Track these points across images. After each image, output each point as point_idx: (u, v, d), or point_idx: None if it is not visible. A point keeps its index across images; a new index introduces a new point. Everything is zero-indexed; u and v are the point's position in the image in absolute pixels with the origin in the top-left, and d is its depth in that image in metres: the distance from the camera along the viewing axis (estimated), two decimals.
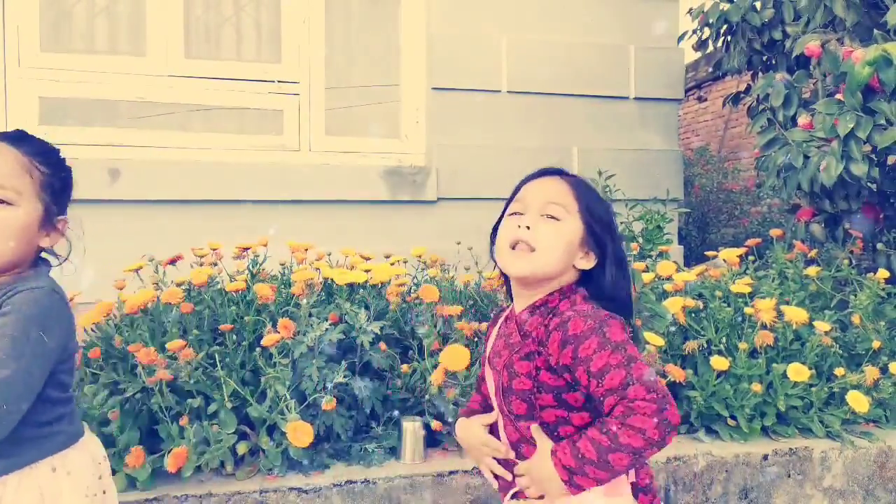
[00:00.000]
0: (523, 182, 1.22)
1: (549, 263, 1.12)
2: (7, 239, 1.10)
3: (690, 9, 3.42)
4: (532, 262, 1.12)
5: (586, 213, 1.15)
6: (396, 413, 1.94)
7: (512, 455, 1.17)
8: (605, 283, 1.15)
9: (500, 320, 1.25)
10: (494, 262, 1.22)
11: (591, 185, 1.22)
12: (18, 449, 1.11)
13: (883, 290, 2.45)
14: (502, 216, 1.22)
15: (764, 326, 2.13)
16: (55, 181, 1.20)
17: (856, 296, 2.44)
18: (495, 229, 1.23)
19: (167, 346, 1.76)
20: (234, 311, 2.02)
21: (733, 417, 2.09)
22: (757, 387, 2.03)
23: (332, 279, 2.14)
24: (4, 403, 1.00)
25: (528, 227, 1.12)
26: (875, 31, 2.38)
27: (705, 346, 2.19)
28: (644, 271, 2.30)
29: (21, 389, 1.03)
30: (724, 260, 2.62)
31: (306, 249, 2.39)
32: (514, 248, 1.13)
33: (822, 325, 2.15)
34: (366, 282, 2.15)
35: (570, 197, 1.15)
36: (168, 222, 3.02)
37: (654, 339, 2.00)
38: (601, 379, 1.02)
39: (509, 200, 1.22)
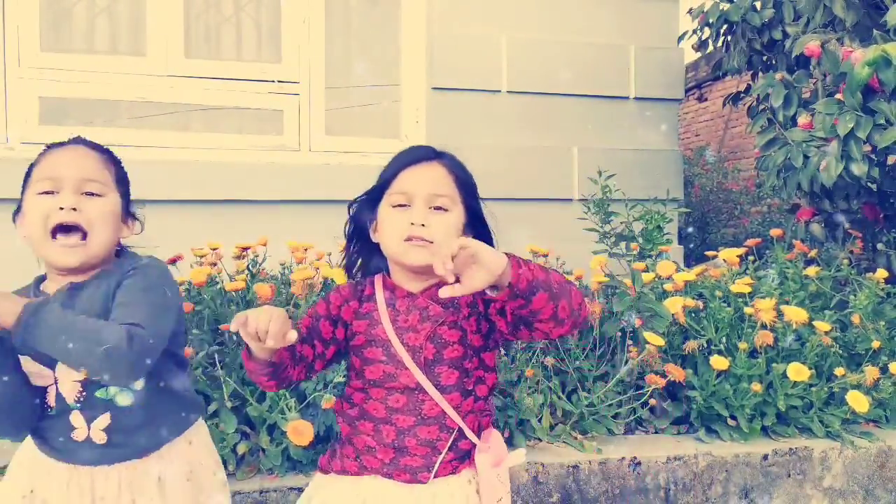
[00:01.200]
0: (400, 167, 1.27)
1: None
2: (106, 226, 1.18)
3: (690, 9, 3.42)
4: (432, 252, 1.14)
5: (468, 198, 1.24)
6: None
7: None
8: None
9: (377, 303, 1.21)
10: (356, 241, 1.29)
11: (460, 163, 1.31)
12: (168, 420, 1.22)
13: (883, 289, 2.45)
14: (374, 198, 1.27)
15: (764, 326, 2.13)
16: (123, 175, 1.27)
17: (856, 296, 2.44)
18: (360, 208, 1.32)
19: None
20: (234, 310, 2.02)
21: (733, 417, 2.09)
22: (757, 387, 2.03)
23: (331, 279, 2.14)
24: (137, 351, 1.08)
25: (423, 225, 1.16)
26: (875, 31, 2.39)
27: (705, 345, 2.19)
28: (644, 271, 2.30)
29: (152, 341, 1.11)
30: (724, 260, 2.62)
31: (306, 249, 2.39)
32: (407, 240, 1.16)
33: (822, 325, 2.15)
34: None
35: (453, 187, 1.23)
36: (168, 222, 3.01)
37: (654, 339, 2.00)
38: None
39: (384, 186, 1.26)
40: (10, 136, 2.99)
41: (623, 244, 2.39)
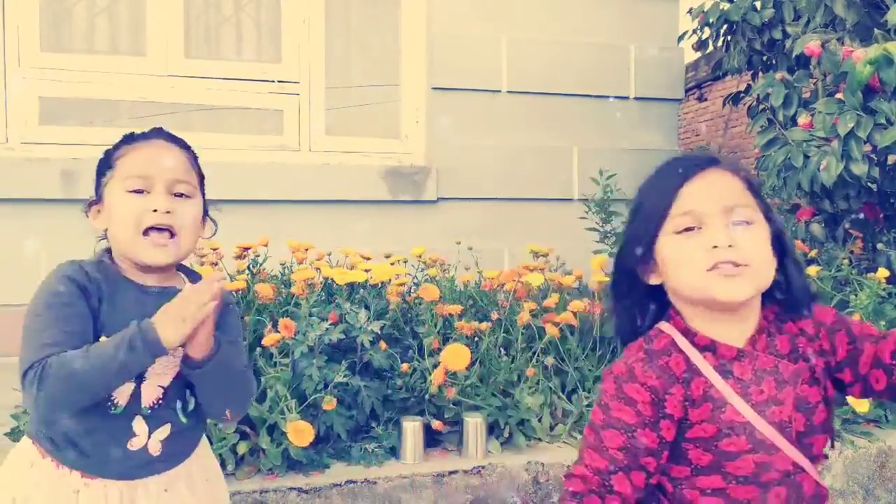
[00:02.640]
0: (677, 184, 0.97)
1: (767, 276, 0.93)
2: (195, 229, 1.15)
3: (690, 9, 3.42)
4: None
5: (764, 207, 0.98)
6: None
7: None
8: (794, 281, 0.98)
9: (705, 375, 0.92)
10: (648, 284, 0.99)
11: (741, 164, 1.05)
12: (202, 432, 1.23)
13: (883, 289, 2.44)
14: (639, 234, 0.99)
15: None
16: (202, 173, 1.23)
17: (856, 295, 2.44)
18: (624, 253, 1.02)
19: None
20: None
21: None
22: None
23: (332, 279, 2.14)
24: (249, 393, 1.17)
25: (730, 246, 0.90)
26: (875, 30, 2.38)
27: None
28: None
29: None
30: None
31: (306, 249, 2.39)
32: (712, 269, 0.91)
33: None
34: (366, 281, 2.15)
35: (749, 194, 0.96)
36: None
37: None
38: (863, 329, 0.98)
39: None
40: (10, 136, 2.99)
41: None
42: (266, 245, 2.38)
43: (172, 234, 1.11)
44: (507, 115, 3.41)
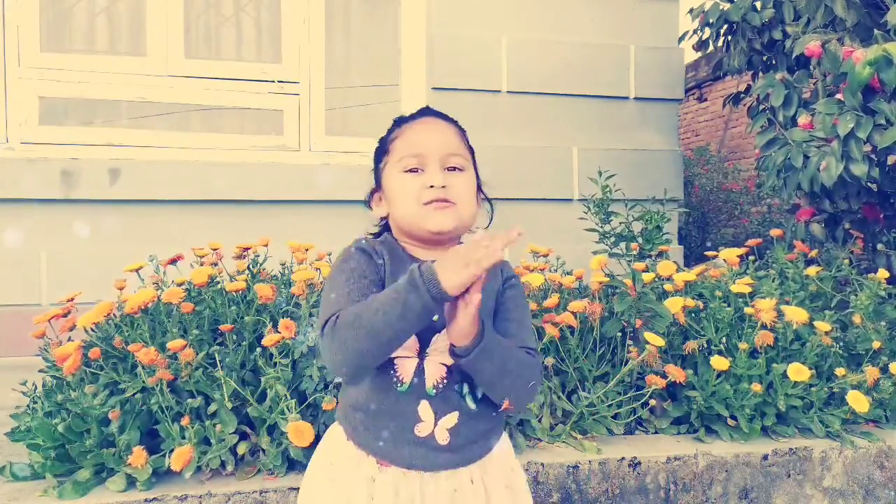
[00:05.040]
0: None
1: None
2: (471, 200, 1.14)
3: (691, 9, 3.42)
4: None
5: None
6: None
7: None
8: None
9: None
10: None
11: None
12: (498, 429, 1.16)
13: (883, 290, 2.45)
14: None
15: (764, 326, 2.13)
16: (473, 151, 1.21)
17: (856, 296, 2.44)
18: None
19: (167, 345, 1.76)
20: (234, 311, 2.02)
21: (733, 417, 2.09)
22: (757, 387, 2.03)
23: None
24: (527, 381, 1.06)
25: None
26: (875, 31, 2.38)
27: (705, 346, 2.19)
28: (644, 271, 2.30)
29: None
30: (724, 260, 2.62)
31: (306, 249, 2.39)
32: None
33: (822, 325, 2.15)
34: None
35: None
36: (168, 222, 3.02)
37: (654, 339, 2.00)
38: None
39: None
40: (9, 136, 2.99)
41: (623, 244, 2.39)
42: (266, 245, 2.38)
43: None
44: (507, 115, 3.41)
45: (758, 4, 3.14)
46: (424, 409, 1.05)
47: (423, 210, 1.09)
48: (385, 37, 3.49)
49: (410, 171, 1.11)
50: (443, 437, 1.05)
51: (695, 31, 3.48)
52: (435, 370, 1.05)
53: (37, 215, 2.91)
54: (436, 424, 1.05)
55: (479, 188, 1.20)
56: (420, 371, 1.05)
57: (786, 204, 3.30)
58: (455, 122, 1.20)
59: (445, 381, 1.06)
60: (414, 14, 3.42)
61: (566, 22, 3.49)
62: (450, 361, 1.04)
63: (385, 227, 1.24)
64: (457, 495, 1.06)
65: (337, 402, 1.22)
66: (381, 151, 1.18)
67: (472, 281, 0.92)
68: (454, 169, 1.12)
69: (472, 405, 1.07)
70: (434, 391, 1.05)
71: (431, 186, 1.08)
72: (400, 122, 1.19)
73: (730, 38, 3.33)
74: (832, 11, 2.70)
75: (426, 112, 1.20)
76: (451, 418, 1.05)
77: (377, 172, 1.20)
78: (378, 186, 1.20)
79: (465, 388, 1.07)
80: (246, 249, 2.32)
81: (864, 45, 2.48)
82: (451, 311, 0.97)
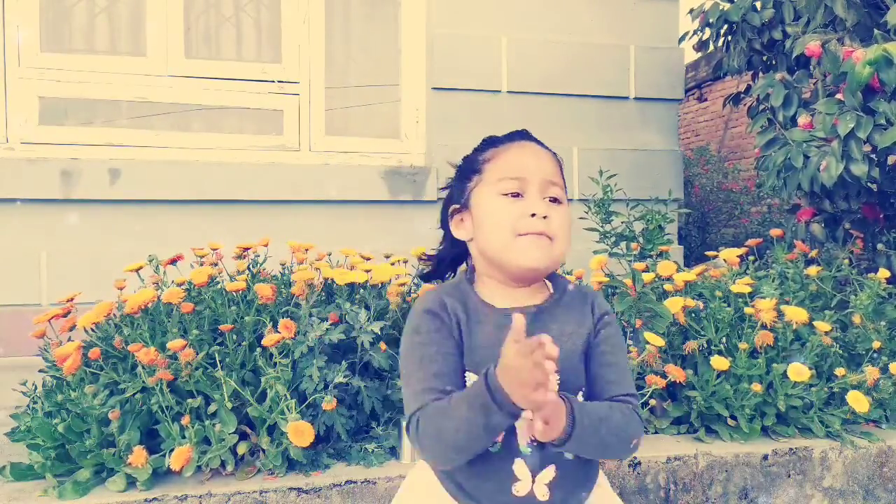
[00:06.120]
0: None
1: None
2: (567, 239, 1.06)
3: (691, 9, 3.42)
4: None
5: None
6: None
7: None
8: None
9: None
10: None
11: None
12: (594, 477, 1.09)
13: (884, 290, 2.44)
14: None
15: (764, 326, 2.13)
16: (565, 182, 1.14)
17: (856, 296, 2.44)
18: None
19: (167, 345, 1.76)
20: (234, 311, 2.02)
21: (733, 417, 2.09)
22: (757, 387, 2.03)
23: (332, 279, 2.14)
24: (629, 439, 1.00)
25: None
26: (875, 31, 2.38)
27: (705, 346, 2.19)
28: (644, 271, 2.30)
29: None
30: (724, 260, 2.62)
31: (306, 249, 2.39)
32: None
33: (822, 325, 2.15)
34: (366, 282, 2.14)
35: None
36: (168, 222, 3.02)
37: (654, 339, 2.00)
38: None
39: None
40: (10, 136, 2.99)
41: (623, 244, 2.39)
42: (266, 245, 2.38)
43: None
44: (507, 115, 3.41)
45: (758, 4, 3.14)
46: (520, 467, 1.00)
47: (516, 242, 1.01)
48: (385, 37, 3.49)
49: (509, 195, 1.03)
50: (542, 493, 1.00)
51: (695, 32, 3.48)
52: (527, 427, 0.98)
53: (37, 215, 2.91)
54: (533, 482, 1.00)
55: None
56: (511, 430, 0.99)
57: (786, 204, 3.30)
58: (553, 152, 1.13)
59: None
60: (414, 14, 3.42)
61: (566, 22, 3.49)
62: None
63: (450, 246, 1.16)
64: None
65: None
66: (471, 171, 1.10)
67: (544, 402, 0.86)
68: (554, 200, 1.05)
69: (568, 456, 1.01)
70: (528, 449, 1.00)
71: (533, 215, 1.01)
72: (494, 141, 1.11)
73: (730, 38, 3.33)
74: (832, 11, 2.70)
75: (523, 135, 1.13)
76: (549, 472, 1.00)
77: (462, 190, 1.10)
78: (462, 205, 1.10)
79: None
80: (246, 249, 2.32)
81: (864, 45, 2.48)
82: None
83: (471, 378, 0.99)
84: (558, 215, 1.04)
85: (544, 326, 1.01)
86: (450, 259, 1.21)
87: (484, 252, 1.06)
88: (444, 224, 1.15)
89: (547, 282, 1.11)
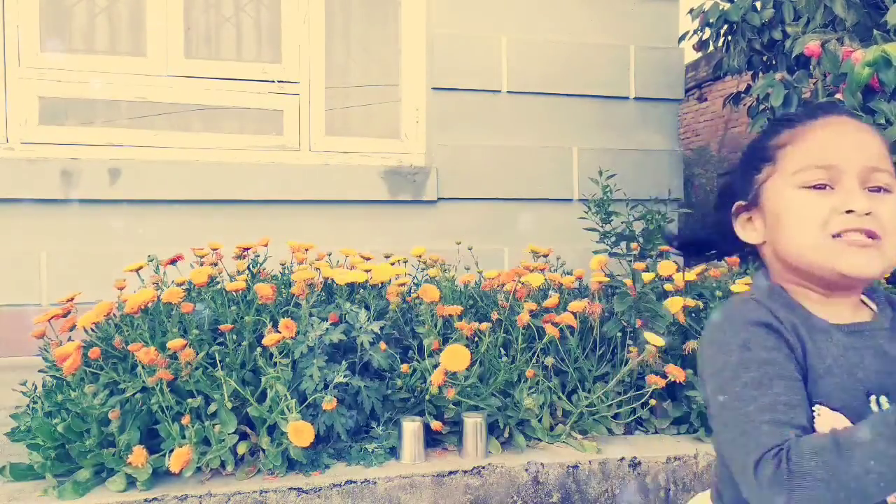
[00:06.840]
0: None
1: None
2: None
3: (691, 9, 3.42)
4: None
5: None
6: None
7: None
8: None
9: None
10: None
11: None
12: None
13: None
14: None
15: None
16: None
17: None
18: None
19: (167, 345, 1.76)
20: (234, 310, 2.02)
21: None
22: None
23: (332, 279, 2.14)
24: None
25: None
26: (875, 31, 2.39)
27: None
28: (644, 271, 2.30)
29: None
30: (724, 260, 2.62)
31: (306, 249, 2.39)
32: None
33: None
34: (366, 282, 2.15)
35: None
36: (168, 222, 3.02)
37: (654, 339, 2.00)
38: None
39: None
40: (10, 136, 2.99)
41: (623, 244, 2.39)
42: (266, 245, 2.38)
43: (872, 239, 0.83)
44: (507, 115, 3.41)
45: (758, 4, 3.15)
46: None
47: (830, 244, 0.82)
48: (385, 37, 3.49)
49: (814, 187, 0.84)
50: None
51: (695, 32, 3.48)
52: None
53: (37, 215, 2.91)
54: None
55: None
56: None
57: None
58: (871, 126, 0.90)
59: None
60: (414, 14, 3.42)
61: (566, 22, 3.50)
62: None
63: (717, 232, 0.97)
64: None
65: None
66: (760, 159, 0.90)
67: None
68: (878, 190, 0.83)
69: None
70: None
71: (849, 212, 0.81)
72: (791, 120, 0.90)
73: (730, 38, 3.33)
74: (832, 11, 2.70)
75: (833, 109, 0.91)
76: None
77: (749, 184, 0.92)
78: (749, 202, 0.92)
79: None
80: (246, 249, 2.32)
81: (864, 45, 2.48)
82: None
83: (822, 412, 0.80)
84: (886, 208, 0.83)
85: (880, 349, 0.84)
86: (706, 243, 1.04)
87: (786, 257, 0.87)
88: (727, 225, 0.96)
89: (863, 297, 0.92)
